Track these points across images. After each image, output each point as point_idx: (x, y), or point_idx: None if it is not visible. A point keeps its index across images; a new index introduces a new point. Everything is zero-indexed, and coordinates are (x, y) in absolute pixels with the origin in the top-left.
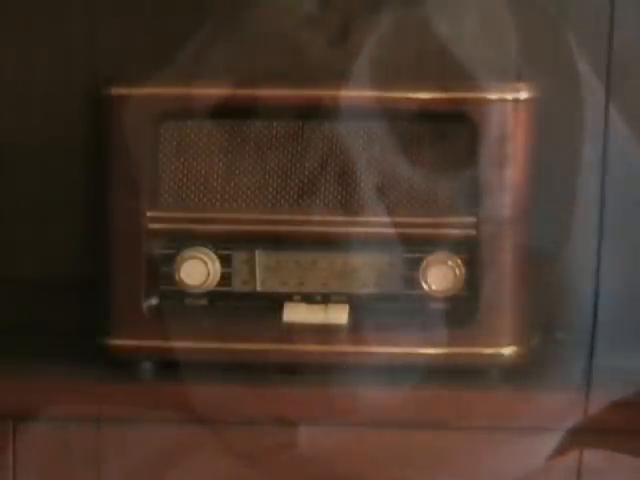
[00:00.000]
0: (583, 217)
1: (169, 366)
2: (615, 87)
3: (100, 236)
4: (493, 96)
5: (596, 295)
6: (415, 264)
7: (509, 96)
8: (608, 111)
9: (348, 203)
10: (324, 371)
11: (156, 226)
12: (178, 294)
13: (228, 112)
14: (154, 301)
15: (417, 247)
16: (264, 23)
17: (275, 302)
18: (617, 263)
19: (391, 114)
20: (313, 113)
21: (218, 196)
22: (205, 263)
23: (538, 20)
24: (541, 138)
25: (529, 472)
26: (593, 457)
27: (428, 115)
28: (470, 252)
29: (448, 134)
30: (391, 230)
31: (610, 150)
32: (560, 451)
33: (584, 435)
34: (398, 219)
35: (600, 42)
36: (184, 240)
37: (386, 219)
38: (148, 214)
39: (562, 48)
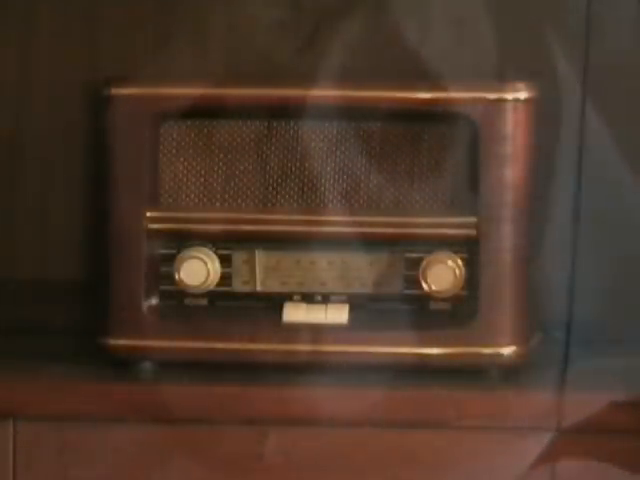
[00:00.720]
0: (559, 215)
1: (169, 366)
2: (593, 91)
3: (100, 236)
4: (493, 96)
5: (571, 296)
6: (415, 264)
7: (509, 96)
8: (584, 115)
9: (348, 203)
10: (324, 371)
11: (156, 226)
12: (178, 294)
13: (227, 112)
14: (154, 301)
15: (417, 247)
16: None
17: (275, 302)
18: (595, 258)
19: (392, 114)
20: (316, 113)
21: (218, 196)
22: (205, 263)
23: (516, 22)
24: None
25: (528, 472)
26: (592, 457)
27: (428, 115)
28: (470, 252)
29: (448, 134)
30: (391, 230)
31: (586, 147)
32: (559, 451)
33: (584, 435)
34: (398, 219)
35: (578, 44)
36: (184, 240)
37: (386, 219)
38: (148, 214)
39: (539, 50)
